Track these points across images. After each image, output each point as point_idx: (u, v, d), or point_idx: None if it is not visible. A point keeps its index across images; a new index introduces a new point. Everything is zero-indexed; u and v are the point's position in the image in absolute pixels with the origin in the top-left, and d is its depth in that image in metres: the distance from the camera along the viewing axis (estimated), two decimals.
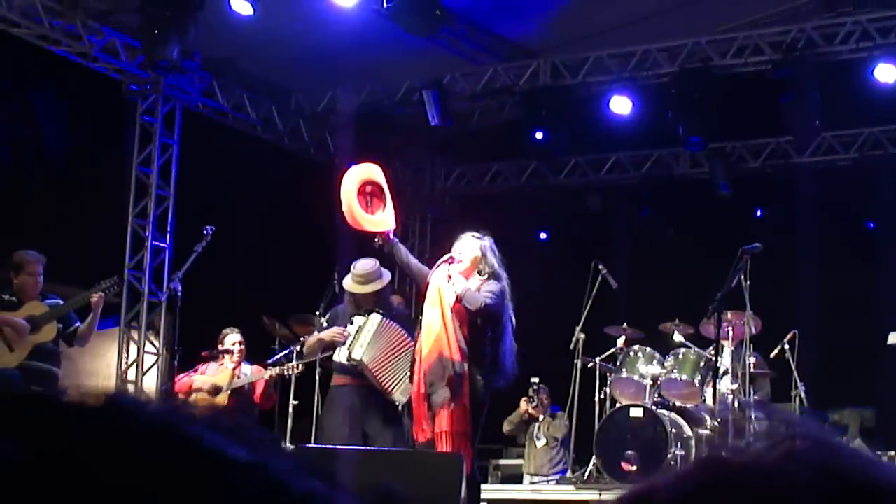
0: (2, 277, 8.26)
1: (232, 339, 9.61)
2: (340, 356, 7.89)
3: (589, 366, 10.54)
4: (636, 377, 10.12)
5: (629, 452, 9.53)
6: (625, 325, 10.72)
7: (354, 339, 7.84)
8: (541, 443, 11.85)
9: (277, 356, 9.64)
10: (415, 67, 12.64)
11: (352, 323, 7.93)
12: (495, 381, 7.09)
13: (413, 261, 7.44)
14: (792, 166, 14.15)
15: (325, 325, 8.26)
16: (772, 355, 10.51)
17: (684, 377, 9.99)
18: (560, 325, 11.04)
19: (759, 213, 14.99)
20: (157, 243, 12.13)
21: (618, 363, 10.35)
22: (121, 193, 12.12)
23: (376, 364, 7.76)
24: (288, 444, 8.60)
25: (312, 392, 9.38)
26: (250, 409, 9.47)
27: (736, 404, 9.51)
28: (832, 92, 11.86)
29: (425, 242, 14.91)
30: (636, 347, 10.36)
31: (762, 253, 8.45)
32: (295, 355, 9.35)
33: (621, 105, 12.73)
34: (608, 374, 10.47)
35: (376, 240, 7.30)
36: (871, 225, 14.67)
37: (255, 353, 9.82)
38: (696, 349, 10.12)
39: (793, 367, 10.41)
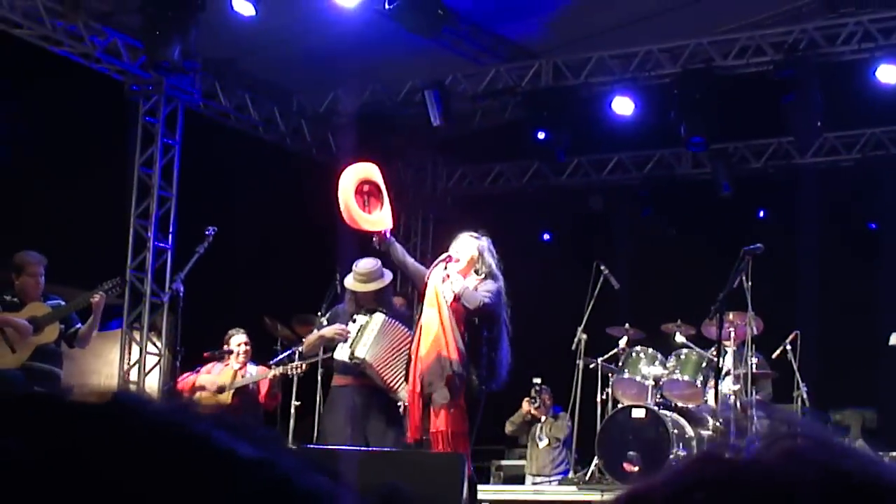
0: (3, 279, 8.25)
1: (238, 339, 9.61)
2: (341, 354, 7.88)
3: (591, 366, 10.54)
4: (638, 378, 10.11)
5: (631, 453, 9.52)
6: (627, 325, 10.70)
7: (356, 337, 7.83)
8: (543, 443, 11.84)
9: (281, 356, 9.64)
10: (416, 68, 12.63)
11: (353, 321, 7.92)
12: (491, 381, 7.09)
13: (410, 260, 7.45)
14: (794, 167, 14.14)
15: (325, 323, 8.25)
16: (774, 356, 10.51)
17: (686, 378, 9.98)
18: (562, 325, 11.04)
19: (760, 213, 14.97)
20: (159, 244, 12.11)
21: (620, 364, 10.35)
22: (123, 194, 12.10)
23: (380, 362, 7.75)
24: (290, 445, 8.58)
25: (314, 392, 9.37)
26: (255, 408, 9.47)
27: (738, 405, 9.50)
28: (834, 93, 11.85)
29: (427, 243, 14.89)
30: (638, 348, 10.35)
31: (764, 253, 8.44)
32: (297, 355, 9.34)
33: (623, 105, 12.72)
34: (610, 375, 10.46)
35: (374, 239, 7.31)
36: (873, 225, 14.64)
37: (257, 353, 9.83)
38: (698, 350, 10.11)
39: (794, 367, 10.41)
